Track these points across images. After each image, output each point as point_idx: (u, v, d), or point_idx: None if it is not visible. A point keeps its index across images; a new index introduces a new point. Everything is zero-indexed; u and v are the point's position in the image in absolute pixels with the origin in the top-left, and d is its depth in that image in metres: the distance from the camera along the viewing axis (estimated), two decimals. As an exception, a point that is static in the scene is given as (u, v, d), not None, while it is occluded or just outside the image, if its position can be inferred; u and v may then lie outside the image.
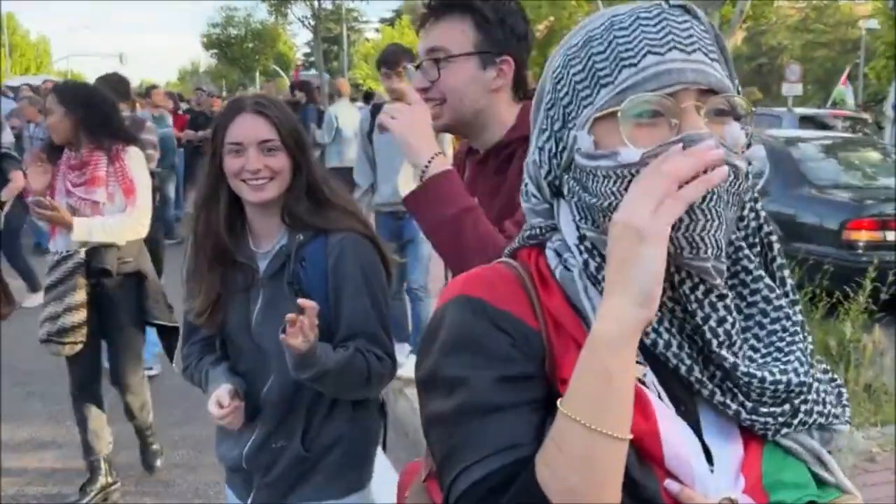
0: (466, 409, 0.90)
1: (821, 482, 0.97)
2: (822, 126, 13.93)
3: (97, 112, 3.60)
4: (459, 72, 1.81)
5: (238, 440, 2.13)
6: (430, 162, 1.71)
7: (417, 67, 1.85)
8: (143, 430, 4.06)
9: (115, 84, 5.68)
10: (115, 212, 3.59)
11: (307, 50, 58.72)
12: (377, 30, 58.44)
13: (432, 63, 1.81)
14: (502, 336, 0.93)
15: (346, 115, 9.14)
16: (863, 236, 7.15)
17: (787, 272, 1.00)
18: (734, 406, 0.91)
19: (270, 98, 2.15)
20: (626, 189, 0.87)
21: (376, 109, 4.72)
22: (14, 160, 7.63)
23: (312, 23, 35.86)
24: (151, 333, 4.05)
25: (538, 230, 1.03)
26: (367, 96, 12.45)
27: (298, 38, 61.49)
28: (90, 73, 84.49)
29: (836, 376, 1.05)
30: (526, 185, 1.04)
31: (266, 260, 2.07)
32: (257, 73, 42.30)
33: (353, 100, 11.21)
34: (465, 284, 1.00)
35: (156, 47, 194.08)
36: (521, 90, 1.90)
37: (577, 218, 0.96)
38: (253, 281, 2.07)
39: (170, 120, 10.93)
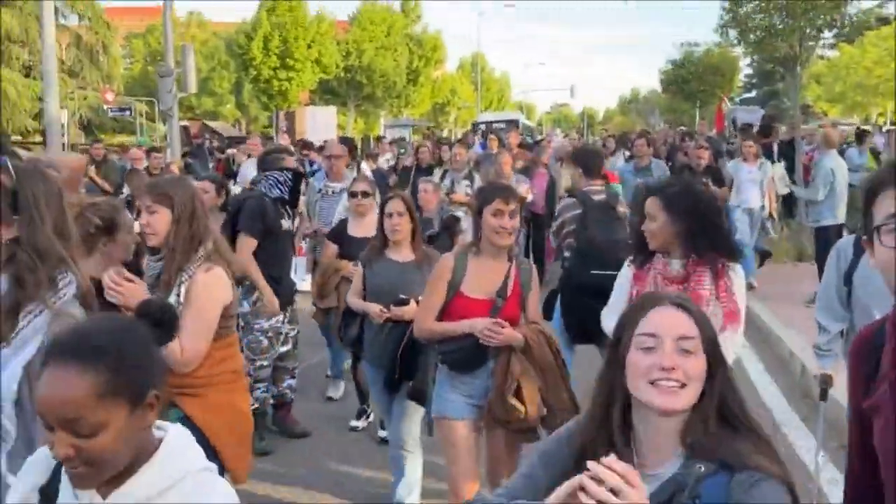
0: None
1: None
2: None
3: (705, 222, 3.37)
4: None
5: None
6: None
7: None
8: None
9: (590, 156, 5.96)
10: None
11: (749, 71, 56.47)
12: (833, 45, 54.37)
13: None
14: None
15: (839, 167, 8.85)
16: None
17: None
18: None
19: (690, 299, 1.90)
20: None
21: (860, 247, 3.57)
22: None
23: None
24: None
25: None
26: (861, 135, 11.33)
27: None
28: (541, 105, 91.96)
29: None
30: None
31: (650, 486, 1.60)
32: (697, 105, 41.76)
33: (845, 146, 10.69)
34: None
35: (598, 76, 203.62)
36: None
37: None
38: None
39: None
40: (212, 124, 45.15)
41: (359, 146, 18.12)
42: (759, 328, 8.37)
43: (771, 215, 10.50)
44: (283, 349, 5.67)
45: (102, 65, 46.21)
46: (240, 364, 3.42)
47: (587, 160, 5.95)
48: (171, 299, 3.07)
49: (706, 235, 3.36)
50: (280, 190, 5.53)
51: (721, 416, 1.70)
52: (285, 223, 5.59)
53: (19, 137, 43.87)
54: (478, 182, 8.84)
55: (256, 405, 5.51)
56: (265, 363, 5.55)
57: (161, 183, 3.47)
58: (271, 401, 5.75)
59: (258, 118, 55.57)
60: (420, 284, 4.11)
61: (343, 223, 5.96)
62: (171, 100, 14.47)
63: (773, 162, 10.77)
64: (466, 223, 8.53)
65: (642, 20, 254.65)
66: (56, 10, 46.44)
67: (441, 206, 7.90)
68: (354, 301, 4.63)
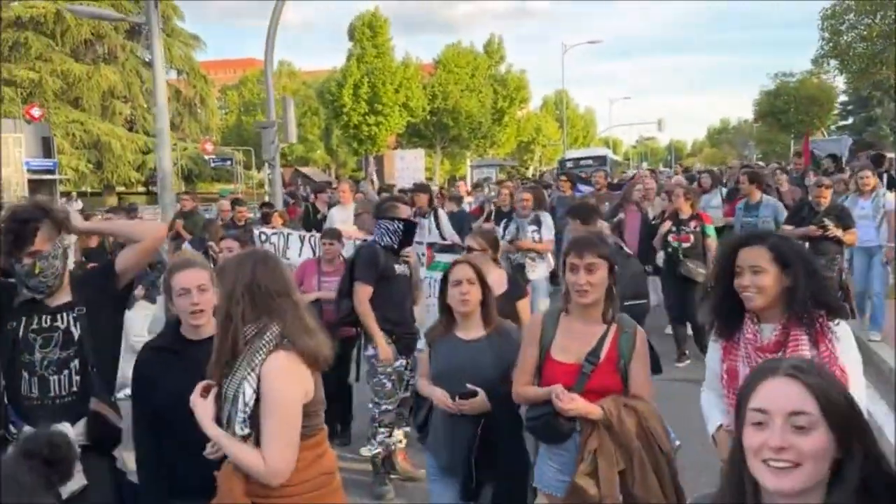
0: None
1: None
2: None
3: (814, 274, 2.87)
4: None
5: None
6: None
7: None
8: None
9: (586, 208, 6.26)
10: None
11: (843, 98, 54.49)
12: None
13: None
14: None
15: None
16: None
17: None
18: None
19: (813, 364, 1.69)
20: None
21: None
22: None
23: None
24: None
25: None
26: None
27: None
28: (627, 139, 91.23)
29: None
30: None
31: None
32: (791, 137, 40.47)
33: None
34: None
35: (685, 108, 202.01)
36: None
37: None
38: None
39: None
40: (303, 170, 46.51)
41: (441, 189, 18.07)
42: (881, 369, 8.03)
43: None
44: (404, 395, 5.74)
45: (200, 117, 48.36)
46: (332, 463, 2.90)
47: (583, 212, 6.68)
48: (246, 393, 2.63)
49: (811, 290, 2.85)
50: (390, 238, 5.64)
51: (867, 489, 1.53)
52: (399, 268, 5.63)
53: (123, 188, 46.11)
54: (546, 226, 8.61)
55: (380, 450, 5.59)
56: (389, 407, 5.57)
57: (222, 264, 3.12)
58: (392, 447, 5.81)
59: (346, 162, 56.90)
60: (492, 366, 3.62)
61: None
62: (274, 150, 14.97)
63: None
64: (539, 270, 8.43)
65: (731, 50, 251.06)
66: (157, 66, 48.90)
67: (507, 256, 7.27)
68: (421, 384, 3.95)
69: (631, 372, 3.21)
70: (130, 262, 3.51)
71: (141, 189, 46.98)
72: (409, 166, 34.46)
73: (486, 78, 46.20)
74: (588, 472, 3.07)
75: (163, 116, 12.51)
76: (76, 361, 3.37)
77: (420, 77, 42.75)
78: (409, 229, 5.78)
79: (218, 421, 2.71)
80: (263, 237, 8.81)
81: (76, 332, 3.38)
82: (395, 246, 5.65)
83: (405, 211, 5.88)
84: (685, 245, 8.20)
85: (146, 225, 3.58)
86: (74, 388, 3.36)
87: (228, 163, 41.58)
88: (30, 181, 29.47)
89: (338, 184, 13.39)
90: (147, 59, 48.85)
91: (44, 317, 3.37)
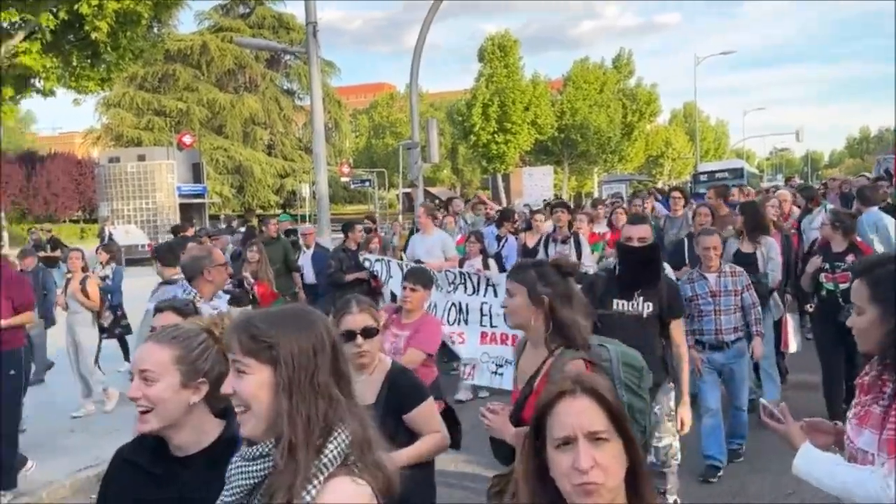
0: None
1: None
2: None
3: None
4: None
5: None
6: None
7: None
8: None
9: None
10: None
11: None
12: None
13: None
14: None
15: None
16: None
17: None
18: None
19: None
20: None
21: None
22: None
23: None
24: None
25: None
26: None
27: None
28: (760, 151, 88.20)
29: None
30: None
31: None
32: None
33: None
34: None
35: (821, 118, 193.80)
36: None
37: None
38: None
39: None
40: (431, 190, 47.36)
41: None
42: None
43: None
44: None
45: (334, 140, 50.06)
46: None
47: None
48: None
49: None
50: (616, 265, 4.97)
51: None
52: (622, 303, 4.71)
53: (261, 211, 48.24)
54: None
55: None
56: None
57: (259, 319, 1.69)
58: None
59: (472, 181, 57.50)
60: None
61: None
62: (418, 170, 15.39)
63: None
64: None
65: (869, 58, 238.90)
66: (293, 92, 50.99)
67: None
68: None
69: None
70: None
71: (278, 211, 49.01)
72: (537, 183, 34.51)
73: (615, 93, 45.80)
74: None
75: (319, 140, 13.07)
76: None
77: (548, 94, 42.84)
78: (638, 256, 4.72)
79: None
80: (367, 263, 8.32)
81: None
82: (618, 274, 4.82)
83: (636, 231, 4.77)
84: (843, 286, 6.20)
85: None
86: None
87: (367, 184, 42.82)
88: (181, 205, 31.31)
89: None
90: (285, 87, 51.20)
91: None
